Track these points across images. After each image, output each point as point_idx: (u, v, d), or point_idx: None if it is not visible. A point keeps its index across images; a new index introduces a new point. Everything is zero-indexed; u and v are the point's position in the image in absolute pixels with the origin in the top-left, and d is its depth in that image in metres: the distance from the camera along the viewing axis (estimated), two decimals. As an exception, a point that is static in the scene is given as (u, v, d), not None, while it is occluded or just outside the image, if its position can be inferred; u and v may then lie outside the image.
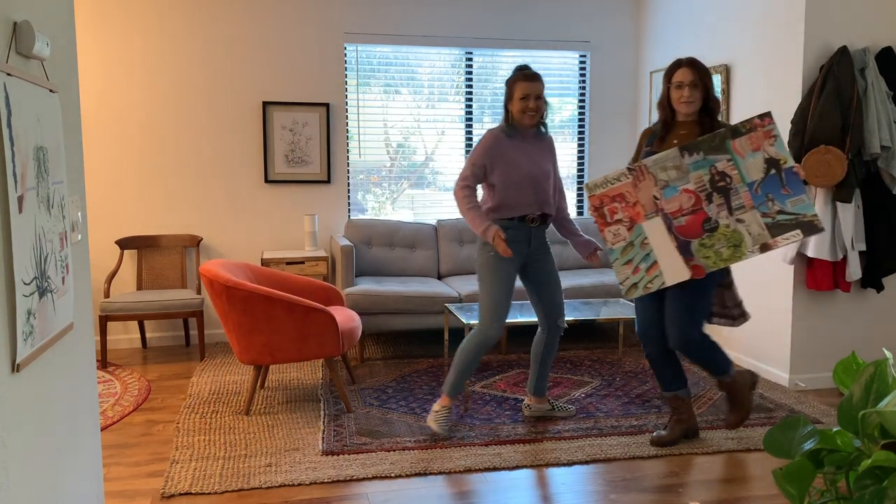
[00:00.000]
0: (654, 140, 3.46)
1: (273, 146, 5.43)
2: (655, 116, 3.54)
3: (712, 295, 3.44)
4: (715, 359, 3.46)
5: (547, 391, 3.90)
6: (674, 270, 3.23)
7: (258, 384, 4.16)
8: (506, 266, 3.53)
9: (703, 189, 3.20)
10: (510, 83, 3.55)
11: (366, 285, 4.94)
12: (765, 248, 3.17)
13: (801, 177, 3.15)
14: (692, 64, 3.35)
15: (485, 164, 3.51)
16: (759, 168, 3.16)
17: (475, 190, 3.59)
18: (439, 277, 5.53)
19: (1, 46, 1.61)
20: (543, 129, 3.66)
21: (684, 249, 3.22)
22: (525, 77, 3.52)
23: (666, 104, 3.41)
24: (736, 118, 4.84)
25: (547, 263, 3.67)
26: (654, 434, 3.57)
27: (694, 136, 3.30)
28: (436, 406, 3.66)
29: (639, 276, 3.28)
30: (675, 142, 3.34)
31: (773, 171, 3.15)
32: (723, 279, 3.45)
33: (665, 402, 3.86)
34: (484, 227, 3.42)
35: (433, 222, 5.70)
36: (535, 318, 3.78)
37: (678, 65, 3.38)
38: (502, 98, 3.60)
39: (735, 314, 3.51)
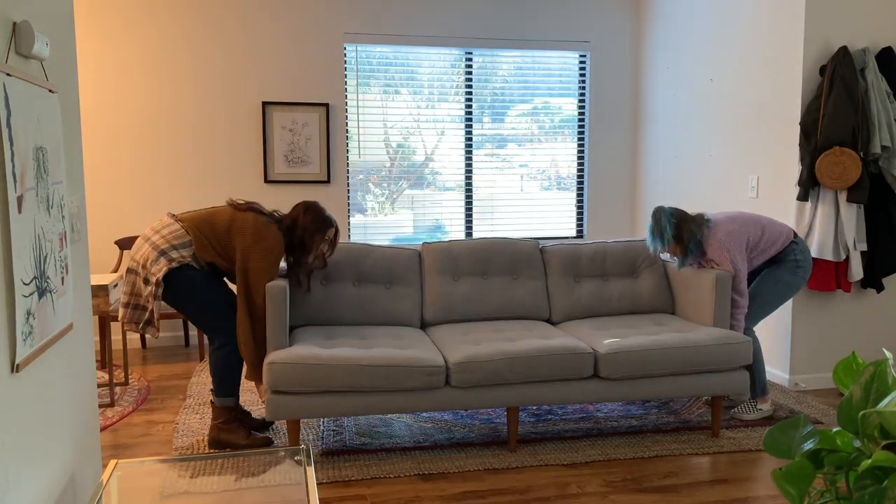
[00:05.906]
0: None
1: (273, 146, 5.43)
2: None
3: None
4: None
5: None
6: None
7: None
8: None
9: None
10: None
11: (302, 346, 3.25)
12: None
13: None
14: None
15: None
16: None
17: None
18: (423, 327, 3.90)
19: (1, 46, 1.61)
20: None
21: None
22: None
23: None
24: (735, 120, 4.84)
25: None
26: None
27: None
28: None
29: None
30: None
31: None
32: None
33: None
34: None
35: (418, 245, 4.26)
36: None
37: None
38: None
39: None
